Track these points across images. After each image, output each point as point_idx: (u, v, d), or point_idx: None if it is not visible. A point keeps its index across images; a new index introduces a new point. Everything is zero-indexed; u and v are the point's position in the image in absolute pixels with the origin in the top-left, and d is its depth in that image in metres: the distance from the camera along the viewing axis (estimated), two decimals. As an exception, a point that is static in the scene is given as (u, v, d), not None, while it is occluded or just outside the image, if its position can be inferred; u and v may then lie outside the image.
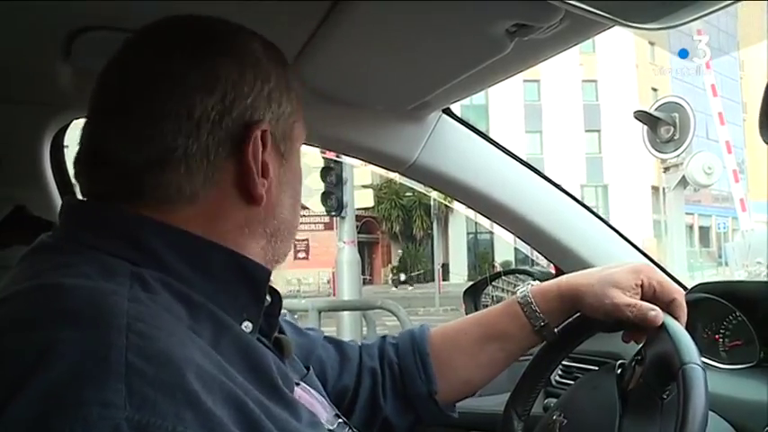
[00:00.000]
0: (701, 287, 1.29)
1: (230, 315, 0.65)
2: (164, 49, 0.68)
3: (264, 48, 0.73)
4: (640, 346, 0.94)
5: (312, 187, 8.79)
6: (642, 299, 0.94)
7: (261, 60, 0.71)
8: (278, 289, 0.77)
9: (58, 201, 1.48)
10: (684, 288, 1.29)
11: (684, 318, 0.93)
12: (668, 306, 0.94)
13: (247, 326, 0.68)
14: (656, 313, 0.91)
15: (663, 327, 0.87)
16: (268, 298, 0.73)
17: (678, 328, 0.86)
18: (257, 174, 0.68)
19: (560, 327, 1.02)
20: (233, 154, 0.67)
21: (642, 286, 0.95)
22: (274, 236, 0.73)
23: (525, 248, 1.65)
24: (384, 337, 1.08)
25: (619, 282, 0.95)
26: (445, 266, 25.14)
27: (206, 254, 0.66)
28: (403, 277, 25.93)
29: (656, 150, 7.64)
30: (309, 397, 0.79)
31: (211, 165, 0.66)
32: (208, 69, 0.67)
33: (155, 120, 0.65)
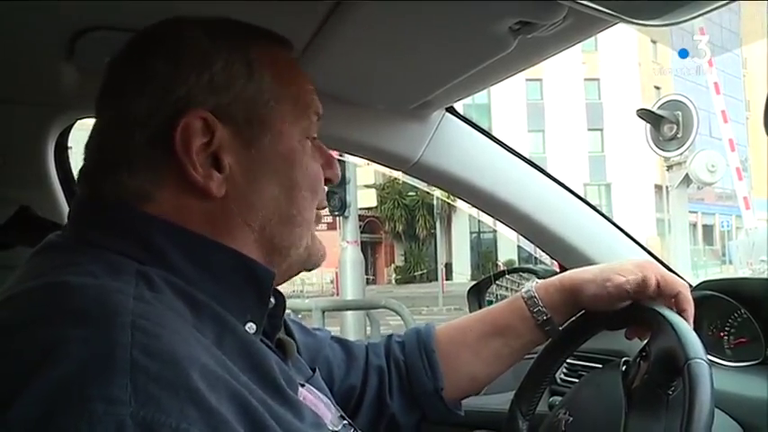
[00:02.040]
0: (706, 285, 1.29)
1: (234, 315, 0.65)
2: (117, 58, 0.71)
3: (211, 33, 0.70)
4: (644, 342, 0.94)
5: (314, 187, 8.77)
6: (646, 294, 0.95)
7: (201, 47, 0.68)
8: (281, 289, 0.77)
9: (62, 201, 1.48)
10: (689, 286, 1.29)
11: (692, 311, 0.94)
12: (674, 300, 0.94)
13: (251, 327, 0.68)
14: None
15: (667, 323, 0.87)
16: (272, 300, 0.73)
17: (682, 324, 0.86)
18: (196, 165, 0.66)
19: (564, 325, 1.03)
20: (169, 149, 0.66)
21: (646, 280, 0.95)
22: (264, 227, 0.71)
23: (529, 247, 1.65)
24: (390, 335, 1.08)
25: (620, 269, 0.97)
26: (448, 266, 25.12)
27: (212, 254, 0.67)
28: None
29: (659, 148, 7.62)
30: (314, 398, 0.79)
31: (151, 163, 0.66)
32: (139, 72, 0.68)
33: (103, 126, 0.69)
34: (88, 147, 0.71)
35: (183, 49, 0.68)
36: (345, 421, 0.83)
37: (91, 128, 0.71)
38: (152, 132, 0.66)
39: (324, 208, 0.80)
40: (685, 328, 0.85)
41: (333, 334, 1.07)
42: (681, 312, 0.93)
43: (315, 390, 0.82)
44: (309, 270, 0.79)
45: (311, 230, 0.76)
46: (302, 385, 0.77)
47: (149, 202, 0.66)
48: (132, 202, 0.66)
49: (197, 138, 0.66)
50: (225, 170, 0.68)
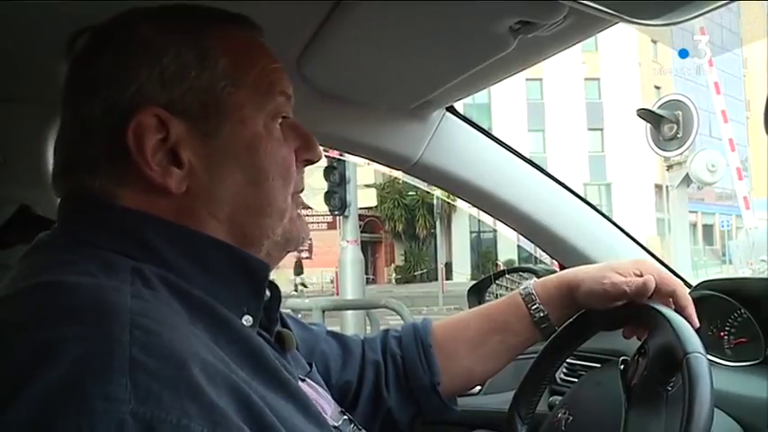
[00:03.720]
0: (706, 284, 1.29)
1: (230, 309, 0.65)
2: (75, 55, 0.71)
3: (159, 25, 0.68)
4: (642, 340, 0.94)
5: (315, 186, 8.79)
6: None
7: (149, 41, 0.66)
8: (280, 288, 0.77)
9: (62, 200, 1.48)
10: (689, 285, 1.29)
11: (692, 308, 0.94)
12: (671, 298, 0.95)
13: (248, 320, 0.68)
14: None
15: (663, 319, 0.87)
16: (267, 292, 0.73)
17: (679, 320, 0.86)
18: (150, 164, 0.64)
19: (561, 327, 1.03)
20: (124, 149, 0.64)
21: (647, 284, 0.95)
22: (233, 219, 0.69)
23: (529, 246, 1.65)
24: (387, 330, 1.09)
25: (618, 267, 0.98)
26: (448, 265, 25.11)
27: (205, 249, 0.67)
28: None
29: (660, 148, 7.61)
30: (313, 392, 0.79)
31: (110, 164, 0.66)
32: (89, 71, 0.68)
33: (62, 129, 0.69)
34: (53, 148, 0.71)
35: (131, 45, 0.66)
36: (345, 416, 0.83)
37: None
38: (108, 132, 0.65)
39: (301, 191, 0.77)
40: (682, 323, 0.85)
41: (328, 329, 1.08)
42: (681, 310, 0.93)
43: (314, 384, 0.82)
44: (291, 251, 0.77)
45: (287, 217, 0.73)
46: (302, 380, 0.77)
47: (121, 202, 0.66)
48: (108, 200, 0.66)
49: (151, 135, 0.64)
50: (184, 165, 0.66)
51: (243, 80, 0.69)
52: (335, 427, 0.77)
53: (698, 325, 0.92)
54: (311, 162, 0.77)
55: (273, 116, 0.72)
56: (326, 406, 0.80)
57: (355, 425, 0.84)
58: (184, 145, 0.66)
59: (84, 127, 0.66)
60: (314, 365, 0.89)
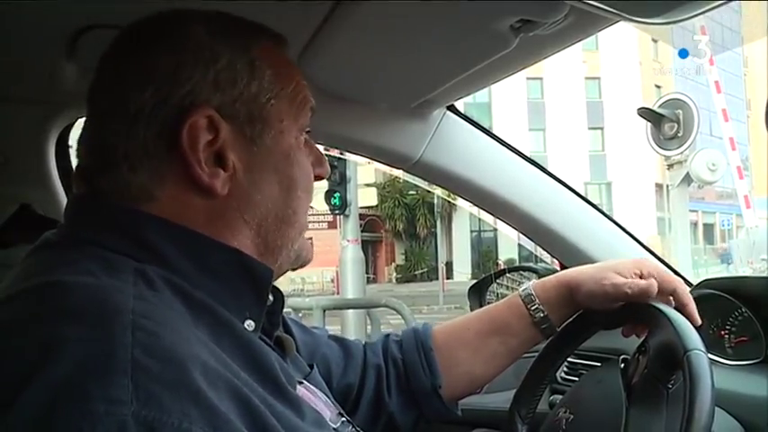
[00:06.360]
0: (707, 283, 1.29)
1: (232, 313, 0.65)
2: (112, 51, 0.70)
3: (213, 28, 0.69)
4: (643, 338, 0.94)
5: (316, 186, 8.77)
6: None
7: (204, 43, 0.68)
8: (281, 288, 0.77)
9: (64, 199, 1.48)
10: (689, 284, 1.29)
11: (693, 305, 0.94)
12: (672, 297, 0.95)
13: (249, 324, 0.68)
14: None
15: (664, 317, 0.87)
16: (270, 297, 0.73)
17: (679, 317, 0.86)
18: (201, 163, 0.65)
19: (560, 327, 1.03)
20: (174, 146, 0.65)
21: (642, 277, 0.96)
22: (262, 226, 0.70)
23: (529, 245, 1.65)
24: (388, 334, 1.09)
25: (618, 267, 0.98)
26: (449, 264, 25.10)
27: (210, 252, 0.66)
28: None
29: (660, 147, 7.60)
30: (312, 395, 0.79)
31: (154, 160, 0.65)
32: (140, 64, 0.66)
33: (100, 122, 0.67)
34: (83, 143, 0.69)
35: (186, 45, 0.67)
36: (344, 419, 0.83)
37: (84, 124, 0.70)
38: (157, 129, 0.65)
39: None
40: (682, 320, 0.85)
41: (330, 333, 1.08)
42: (683, 308, 0.94)
43: (313, 387, 0.82)
44: (294, 270, 0.79)
45: (303, 232, 0.76)
46: (300, 383, 0.77)
47: (150, 201, 0.66)
48: (130, 200, 0.65)
49: (203, 135, 0.65)
50: (229, 168, 0.67)
51: (283, 93, 0.72)
52: (335, 430, 0.77)
53: (699, 322, 0.92)
54: (321, 178, 0.81)
55: (302, 130, 0.75)
56: (325, 409, 0.80)
57: (354, 427, 0.84)
58: (230, 148, 0.67)
59: (131, 121, 0.65)
60: (315, 367, 0.89)
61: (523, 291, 1.03)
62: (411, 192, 25.55)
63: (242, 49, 0.69)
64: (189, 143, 0.65)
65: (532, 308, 1.01)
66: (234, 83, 0.68)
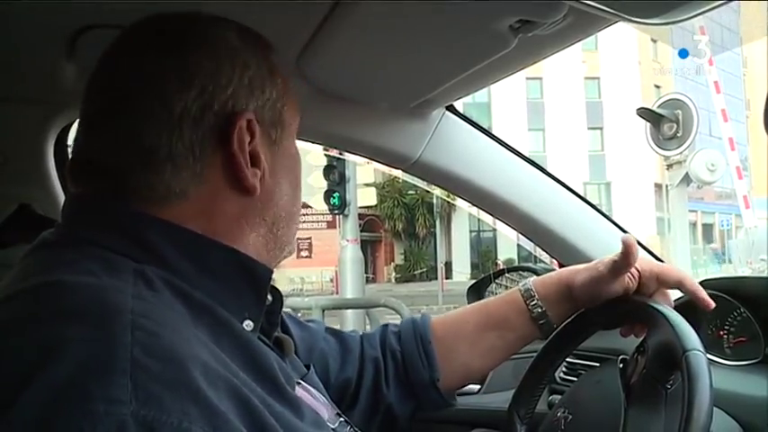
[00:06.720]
0: (705, 283, 1.28)
1: (232, 313, 0.65)
2: (138, 49, 0.69)
3: (241, 36, 0.72)
4: (641, 339, 0.94)
5: (315, 186, 8.80)
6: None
7: (237, 49, 0.70)
8: (280, 288, 0.78)
9: (63, 199, 1.48)
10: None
11: (702, 291, 0.95)
12: (680, 287, 0.97)
13: (248, 324, 0.68)
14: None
15: (662, 317, 0.88)
16: (269, 297, 0.73)
17: (677, 318, 0.86)
18: (246, 164, 0.68)
19: (560, 326, 1.03)
20: (219, 147, 0.67)
21: (642, 275, 0.97)
22: (275, 223, 0.73)
23: (528, 245, 1.65)
24: (386, 325, 1.09)
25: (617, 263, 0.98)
26: (448, 264, 25.11)
27: (208, 252, 0.67)
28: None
29: (659, 147, 7.60)
30: (310, 396, 0.79)
31: (198, 161, 0.66)
32: (182, 65, 0.66)
33: (135, 121, 0.65)
34: (105, 141, 0.67)
35: (224, 49, 0.69)
36: (342, 419, 0.83)
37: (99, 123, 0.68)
38: (204, 131, 0.66)
39: None
40: (681, 321, 0.86)
41: (326, 326, 1.08)
42: (694, 294, 0.95)
43: (310, 387, 0.82)
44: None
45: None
46: (298, 383, 0.77)
47: (184, 200, 0.66)
48: (156, 200, 0.65)
49: (246, 137, 0.68)
50: (263, 169, 0.70)
51: (289, 99, 0.75)
52: (333, 430, 0.77)
53: (713, 305, 0.94)
54: None
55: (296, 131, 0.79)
56: (323, 408, 0.80)
57: (352, 427, 0.85)
58: (262, 149, 0.70)
59: (175, 122, 0.65)
60: (312, 367, 0.89)
61: (523, 286, 1.04)
62: (410, 192, 25.55)
63: (263, 57, 0.73)
64: (239, 145, 0.67)
65: (531, 303, 1.02)
66: (262, 89, 0.71)
